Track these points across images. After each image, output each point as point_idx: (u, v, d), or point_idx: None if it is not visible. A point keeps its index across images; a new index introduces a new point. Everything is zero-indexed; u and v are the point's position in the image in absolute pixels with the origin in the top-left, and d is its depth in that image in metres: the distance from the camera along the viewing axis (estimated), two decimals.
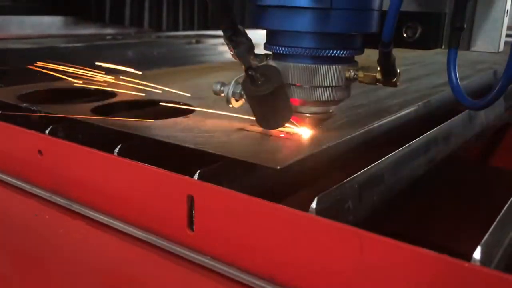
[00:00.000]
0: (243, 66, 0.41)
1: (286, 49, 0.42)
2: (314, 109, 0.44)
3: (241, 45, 0.42)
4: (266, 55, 0.45)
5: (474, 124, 0.62)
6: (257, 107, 0.41)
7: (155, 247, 0.37)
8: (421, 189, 0.51)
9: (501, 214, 0.30)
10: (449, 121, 0.53)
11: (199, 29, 1.94)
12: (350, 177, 0.35)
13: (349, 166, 0.48)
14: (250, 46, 0.43)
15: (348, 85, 0.44)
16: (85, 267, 0.39)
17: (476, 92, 0.87)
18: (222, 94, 0.44)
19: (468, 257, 0.26)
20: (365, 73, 0.42)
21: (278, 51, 0.43)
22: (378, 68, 0.42)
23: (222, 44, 1.55)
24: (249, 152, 0.39)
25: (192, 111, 0.53)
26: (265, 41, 0.45)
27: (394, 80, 0.42)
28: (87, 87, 0.66)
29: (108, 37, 1.51)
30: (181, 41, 1.46)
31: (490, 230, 0.27)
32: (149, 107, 0.58)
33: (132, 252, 0.38)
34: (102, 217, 0.41)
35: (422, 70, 0.94)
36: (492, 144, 0.91)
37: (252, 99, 0.41)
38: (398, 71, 0.42)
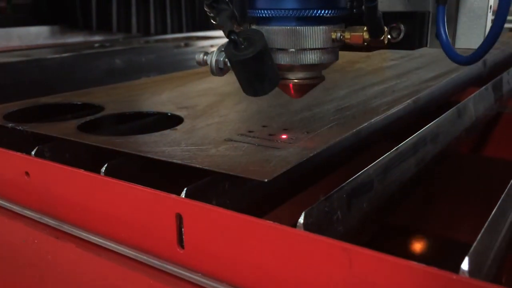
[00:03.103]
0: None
1: (268, 12, 0.41)
2: (301, 74, 0.43)
3: (223, 12, 0.41)
4: (250, 23, 0.44)
5: (463, 119, 0.62)
6: (242, 74, 0.40)
7: (146, 266, 0.37)
8: (414, 184, 0.50)
9: (488, 220, 0.30)
10: (437, 119, 0.53)
11: (187, 31, 1.94)
12: (338, 187, 0.34)
13: (339, 171, 0.48)
14: (232, 13, 0.42)
15: (335, 47, 0.43)
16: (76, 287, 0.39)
17: (467, 84, 0.87)
18: (206, 64, 0.43)
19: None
20: (351, 33, 0.41)
21: (260, 15, 0.41)
22: (365, 28, 0.40)
23: (211, 46, 1.55)
24: (237, 165, 0.39)
25: (179, 122, 0.53)
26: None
27: (382, 38, 0.41)
28: (75, 102, 0.65)
29: (96, 45, 1.51)
30: (169, 45, 1.46)
31: (478, 238, 0.27)
32: (136, 120, 0.58)
33: (124, 272, 0.38)
34: (92, 237, 0.40)
35: (411, 64, 0.94)
36: (484, 135, 0.91)
37: (236, 65, 0.39)
38: (386, 28, 0.41)
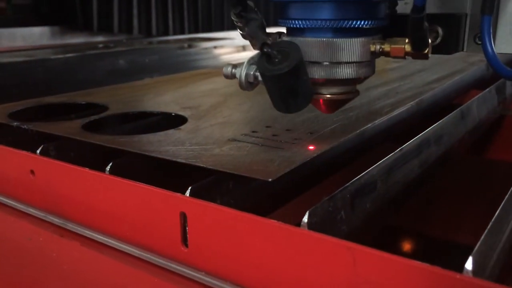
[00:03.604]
0: (255, 45, 0.37)
1: (303, 22, 0.38)
2: (335, 89, 0.40)
3: (253, 22, 0.38)
4: (279, 33, 0.41)
5: (466, 121, 0.62)
6: (275, 89, 0.37)
7: (150, 264, 0.37)
8: (417, 185, 0.51)
9: (492, 220, 0.30)
10: (440, 121, 0.53)
11: (190, 32, 1.94)
12: (342, 187, 0.35)
13: (342, 172, 0.48)
14: (262, 22, 0.40)
15: (373, 60, 0.40)
16: (81, 286, 0.39)
17: (471, 86, 0.87)
18: (234, 77, 0.40)
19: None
20: (392, 46, 0.38)
21: (293, 26, 0.38)
22: (407, 40, 0.37)
23: (215, 47, 1.55)
24: (240, 164, 0.39)
25: (183, 122, 0.53)
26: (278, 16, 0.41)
27: (426, 51, 0.38)
28: (79, 102, 0.66)
29: (100, 45, 1.51)
30: (172, 46, 1.46)
31: (482, 238, 0.27)
32: (140, 120, 0.58)
33: (128, 270, 0.38)
34: (96, 235, 0.41)
35: (414, 66, 0.94)
36: (487, 138, 0.91)
37: (269, 80, 0.37)
38: (430, 41, 0.38)
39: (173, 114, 0.57)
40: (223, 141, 0.45)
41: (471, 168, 0.93)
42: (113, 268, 0.39)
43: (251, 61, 0.38)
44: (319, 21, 0.37)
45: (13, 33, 1.59)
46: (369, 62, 0.40)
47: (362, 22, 0.37)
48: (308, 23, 0.38)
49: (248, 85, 0.39)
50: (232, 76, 0.39)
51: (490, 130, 0.89)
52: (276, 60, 0.36)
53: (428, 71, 0.88)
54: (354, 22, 0.37)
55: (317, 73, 0.39)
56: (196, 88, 0.76)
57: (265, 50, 0.36)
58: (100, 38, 1.75)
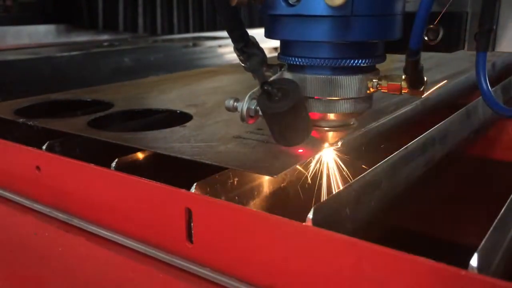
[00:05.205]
0: (257, 80, 0.38)
1: (303, 60, 0.39)
2: (334, 122, 0.41)
3: (254, 57, 0.40)
4: (280, 65, 0.42)
5: (472, 120, 0.62)
6: (274, 124, 0.38)
7: (155, 260, 0.38)
8: (422, 184, 0.51)
9: (498, 218, 0.30)
10: (446, 120, 0.53)
11: (194, 31, 1.94)
12: (347, 185, 0.35)
13: (347, 169, 0.48)
14: (263, 57, 0.41)
15: (370, 95, 0.41)
16: (86, 281, 0.40)
17: (476, 86, 0.86)
18: (236, 110, 0.41)
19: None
20: (388, 82, 0.39)
21: (294, 63, 0.40)
22: (403, 77, 0.39)
23: (219, 46, 1.55)
24: (246, 161, 0.39)
25: (189, 119, 0.53)
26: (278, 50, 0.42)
27: (421, 89, 0.39)
28: (85, 99, 0.66)
29: (105, 44, 1.52)
30: (177, 44, 1.46)
31: (487, 235, 0.27)
32: (146, 117, 0.59)
33: (132, 265, 0.38)
34: (101, 231, 0.41)
35: None
36: (492, 137, 0.90)
37: (269, 116, 0.38)
38: (425, 79, 0.39)
39: (178, 111, 0.57)
40: (228, 138, 0.45)
41: (476, 168, 0.93)
42: (118, 263, 0.39)
43: (252, 96, 0.39)
44: (319, 60, 0.38)
45: (19, 31, 1.59)
46: (366, 97, 0.41)
47: (360, 61, 0.38)
48: (308, 61, 0.39)
49: (249, 118, 0.40)
50: (233, 109, 0.40)
51: (496, 130, 0.89)
52: (276, 98, 0.37)
53: (433, 70, 0.88)
54: (352, 61, 0.38)
55: (316, 108, 0.40)
56: (201, 86, 0.76)
57: (265, 88, 0.37)
58: (105, 37, 1.76)
